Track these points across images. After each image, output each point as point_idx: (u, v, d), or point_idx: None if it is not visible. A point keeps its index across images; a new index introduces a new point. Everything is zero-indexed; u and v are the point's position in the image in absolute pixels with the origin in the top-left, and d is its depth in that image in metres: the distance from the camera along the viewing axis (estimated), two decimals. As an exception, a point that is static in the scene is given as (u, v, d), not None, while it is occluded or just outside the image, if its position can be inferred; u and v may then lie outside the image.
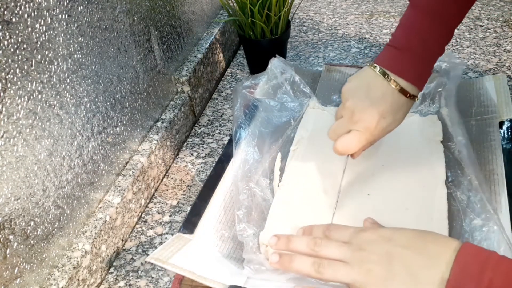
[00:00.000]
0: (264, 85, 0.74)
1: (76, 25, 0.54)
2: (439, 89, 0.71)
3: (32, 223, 0.49)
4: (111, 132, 0.63)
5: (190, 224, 0.57)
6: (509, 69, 0.89)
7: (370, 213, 0.56)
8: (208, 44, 0.89)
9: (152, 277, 0.60)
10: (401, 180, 0.60)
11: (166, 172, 0.76)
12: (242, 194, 0.58)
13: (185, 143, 0.82)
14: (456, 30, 1.01)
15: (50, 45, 0.49)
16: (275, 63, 0.75)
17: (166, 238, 0.65)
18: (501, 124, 0.65)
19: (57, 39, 0.51)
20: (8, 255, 0.46)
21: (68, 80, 0.53)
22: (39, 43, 0.48)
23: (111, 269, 0.62)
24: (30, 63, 0.47)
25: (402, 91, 0.51)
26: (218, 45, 0.93)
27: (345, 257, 0.46)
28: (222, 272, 0.52)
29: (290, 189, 0.60)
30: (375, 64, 0.52)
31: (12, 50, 0.44)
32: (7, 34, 0.43)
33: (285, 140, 0.69)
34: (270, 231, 0.55)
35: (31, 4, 0.46)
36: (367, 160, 0.63)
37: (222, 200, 0.60)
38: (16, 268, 0.48)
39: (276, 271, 0.52)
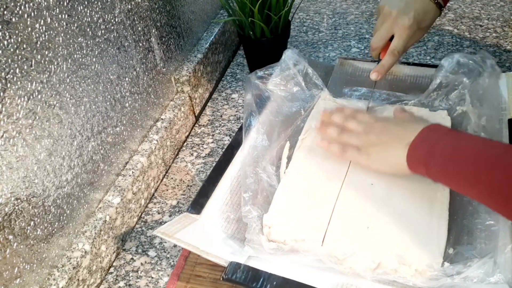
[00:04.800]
0: (276, 76, 0.74)
1: (76, 25, 0.54)
2: (456, 87, 0.70)
3: (32, 223, 0.49)
4: (111, 132, 0.63)
5: (197, 205, 0.60)
6: (509, 69, 0.88)
7: (372, 202, 0.58)
8: (208, 44, 0.89)
9: (152, 277, 0.60)
10: None
11: (166, 172, 0.76)
12: (249, 178, 0.61)
13: (185, 143, 0.82)
14: (456, 30, 1.01)
15: (50, 45, 0.49)
16: (288, 54, 0.76)
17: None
18: (510, 121, 0.65)
19: (57, 39, 0.51)
20: (8, 255, 0.46)
21: (68, 80, 0.53)
22: (39, 43, 0.48)
23: (111, 269, 0.62)
24: (30, 63, 0.47)
25: None
26: (218, 45, 0.93)
27: (358, 130, 0.62)
28: (225, 250, 0.55)
29: (296, 175, 0.63)
30: None
31: (12, 50, 0.44)
32: (7, 34, 0.43)
33: (294, 130, 0.71)
34: (274, 214, 0.58)
35: (31, 4, 0.46)
36: None
37: (229, 184, 0.63)
38: (16, 268, 0.48)
39: (273, 254, 0.55)
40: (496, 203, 0.46)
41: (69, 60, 0.53)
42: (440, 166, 0.50)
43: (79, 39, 0.55)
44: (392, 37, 0.68)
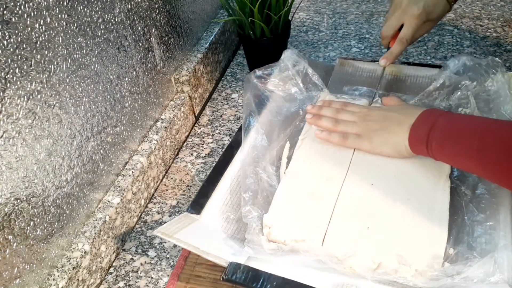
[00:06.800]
0: (275, 76, 0.74)
1: (76, 25, 0.54)
2: (459, 89, 0.69)
3: (31, 223, 0.49)
4: (111, 132, 0.63)
5: (197, 205, 0.60)
6: (509, 69, 0.88)
7: (372, 202, 0.58)
8: (208, 44, 0.89)
9: (152, 277, 0.60)
10: (406, 172, 0.60)
11: (166, 172, 0.76)
12: (249, 178, 0.61)
13: (185, 143, 0.81)
14: (456, 30, 1.01)
15: (49, 45, 0.49)
16: (288, 54, 0.76)
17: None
18: None
19: (56, 39, 0.50)
20: (7, 255, 0.46)
21: (67, 80, 0.53)
22: (38, 43, 0.48)
23: (111, 270, 0.62)
24: (30, 63, 0.47)
25: None
26: (218, 45, 0.93)
27: (353, 119, 0.65)
28: (225, 250, 0.55)
29: (296, 175, 0.62)
30: None
31: (11, 50, 0.44)
32: (7, 34, 0.43)
33: (293, 130, 0.71)
34: (274, 215, 0.57)
35: (31, 4, 0.46)
36: None
37: (229, 184, 0.63)
38: (16, 268, 0.48)
39: (273, 254, 0.55)
40: (492, 171, 0.48)
41: (69, 60, 0.53)
42: (439, 142, 0.53)
43: (79, 39, 0.54)
44: (402, 27, 0.71)
